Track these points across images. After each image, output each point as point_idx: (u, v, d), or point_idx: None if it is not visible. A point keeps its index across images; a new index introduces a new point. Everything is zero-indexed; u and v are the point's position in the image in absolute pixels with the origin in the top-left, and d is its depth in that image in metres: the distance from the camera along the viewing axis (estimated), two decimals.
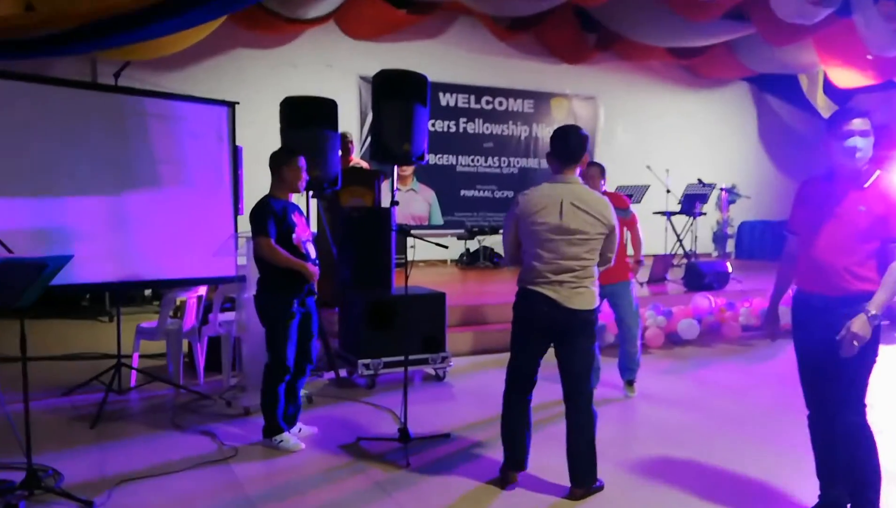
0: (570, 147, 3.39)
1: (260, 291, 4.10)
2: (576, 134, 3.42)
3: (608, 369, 5.28)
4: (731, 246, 13.23)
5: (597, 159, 12.13)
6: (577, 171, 3.43)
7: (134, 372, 5.22)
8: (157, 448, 4.05)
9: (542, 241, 3.33)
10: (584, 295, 3.34)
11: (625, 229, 4.97)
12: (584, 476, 3.42)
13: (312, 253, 4.17)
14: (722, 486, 3.61)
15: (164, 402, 4.97)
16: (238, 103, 5.51)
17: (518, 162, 12.10)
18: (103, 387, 4.76)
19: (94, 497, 3.35)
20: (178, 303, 5.74)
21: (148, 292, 8.66)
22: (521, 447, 3.53)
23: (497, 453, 3.72)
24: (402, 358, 5.20)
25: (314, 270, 4.10)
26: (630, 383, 5.20)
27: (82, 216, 4.75)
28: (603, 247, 3.39)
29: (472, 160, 11.81)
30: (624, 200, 5.16)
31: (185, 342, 5.56)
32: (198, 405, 4.84)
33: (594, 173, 4.83)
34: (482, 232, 11.26)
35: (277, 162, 4.10)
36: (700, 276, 8.22)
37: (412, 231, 4.29)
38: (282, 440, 4.08)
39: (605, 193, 4.77)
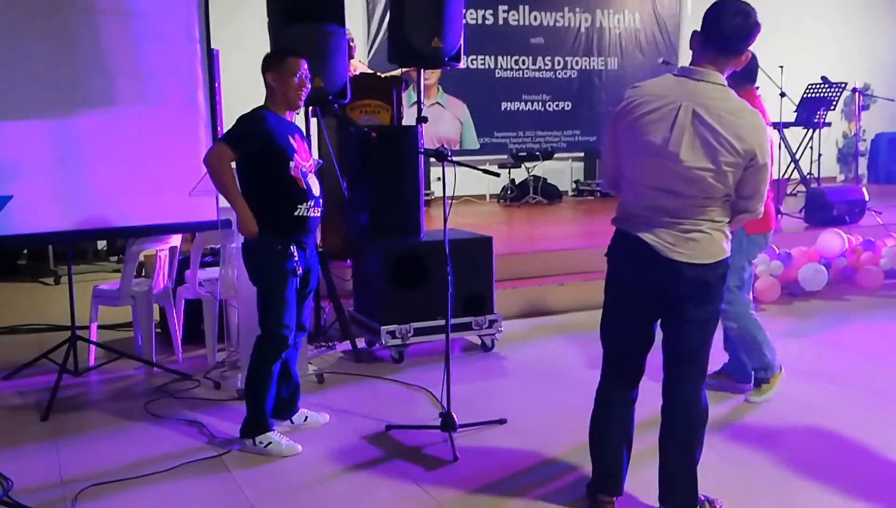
0: (724, 28, 2.95)
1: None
2: (736, 13, 2.95)
3: None
4: (862, 167, 12.96)
5: (680, 51, 12.05)
6: (727, 72, 3.01)
7: (93, 347, 5.26)
8: (130, 445, 4.08)
9: (637, 160, 3.07)
10: (701, 243, 3.00)
11: None
12: (675, 499, 3.23)
13: (316, 189, 4.06)
14: (866, 479, 3.56)
15: (133, 385, 5.02)
16: None
17: (577, 63, 11.98)
18: (56, 367, 4.80)
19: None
20: (143, 258, 5.74)
21: (102, 245, 8.72)
22: (614, 462, 3.31)
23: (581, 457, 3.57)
24: (435, 323, 5.19)
25: (252, 227, 3.87)
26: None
27: (18, 147, 4.72)
28: (740, 186, 2.97)
29: (516, 62, 11.71)
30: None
31: (156, 308, 5.58)
32: (177, 388, 4.88)
33: None
34: (531, 157, 11.15)
35: (271, 68, 3.98)
36: (826, 207, 8.10)
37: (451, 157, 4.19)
38: (269, 444, 3.94)
39: None
